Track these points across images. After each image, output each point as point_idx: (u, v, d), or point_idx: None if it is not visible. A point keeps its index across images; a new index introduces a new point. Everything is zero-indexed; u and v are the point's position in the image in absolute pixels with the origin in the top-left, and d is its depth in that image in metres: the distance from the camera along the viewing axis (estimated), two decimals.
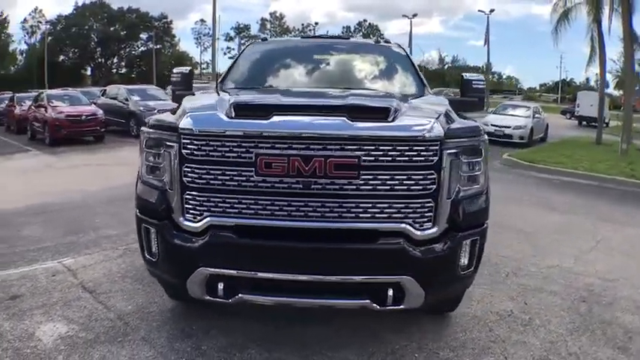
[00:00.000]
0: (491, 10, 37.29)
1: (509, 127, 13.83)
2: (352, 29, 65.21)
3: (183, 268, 2.23)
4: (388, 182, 2.08)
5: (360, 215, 2.10)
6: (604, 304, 3.23)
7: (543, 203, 6.47)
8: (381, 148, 2.06)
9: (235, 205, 2.13)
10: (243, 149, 2.08)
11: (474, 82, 3.59)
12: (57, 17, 53.65)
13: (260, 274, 2.15)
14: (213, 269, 2.17)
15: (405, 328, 2.79)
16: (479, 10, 42.93)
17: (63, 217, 5.13)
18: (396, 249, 2.11)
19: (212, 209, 2.16)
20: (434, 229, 2.16)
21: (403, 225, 2.12)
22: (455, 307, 2.94)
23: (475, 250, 2.34)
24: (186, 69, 3.82)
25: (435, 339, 2.70)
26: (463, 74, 3.71)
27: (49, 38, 50.27)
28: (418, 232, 2.14)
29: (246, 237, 2.14)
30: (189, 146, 2.15)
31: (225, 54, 61.77)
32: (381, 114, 2.15)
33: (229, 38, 65.38)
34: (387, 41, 4.12)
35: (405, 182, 2.09)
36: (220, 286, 2.18)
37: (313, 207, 2.09)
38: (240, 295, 2.19)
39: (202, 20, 65.60)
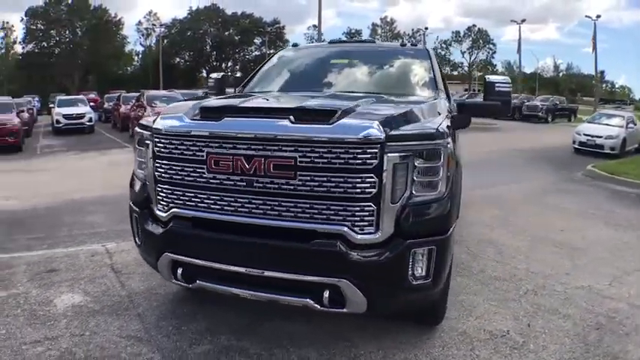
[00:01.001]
0: (598, 16, 35.19)
1: (600, 136, 12.62)
2: (462, 34, 63.00)
3: (154, 252, 2.50)
4: (325, 184, 2.10)
5: (299, 215, 2.15)
6: (620, 334, 2.80)
7: (609, 218, 5.72)
8: (317, 149, 2.08)
9: (192, 199, 2.33)
10: (197, 148, 2.27)
11: (497, 84, 3.40)
12: (172, 21, 57.95)
13: (210, 264, 2.31)
14: (174, 255, 2.39)
15: (381, 336, 2.73)
16: (586, 16, 39.09)
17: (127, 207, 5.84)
18: (332, 251, 2.11)
19: (176, 201, 2.38)
20: (376, 235, 2.11)
21: (342, 227, 2.11)
22: (435, 319, 2.82)
23: (432, 260, 2.21)
24: (219, 75, 4.19)
25: (406, 350, 2.60)
26: (486, 76, 3.52)
27: (165, 41, 54.56)
28: (358, 236, 2.11)
29: (200, 228, 2.33)
30: (158, 144, 2.40)
31: None
32: (325, 116, 2.17)
33: None
34: (413, 44, 4.05)
35: (342, 185, 2.09)
36: (179, 271, 2.40)
37: (256, 204, 2.20)
38: (198, 281, 2.38)
39: (314, 26, 68.38)
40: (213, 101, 2.69)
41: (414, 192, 2.16)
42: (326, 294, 2.15)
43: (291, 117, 2.17)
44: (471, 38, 61.88)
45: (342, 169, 2.08)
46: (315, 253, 2.13)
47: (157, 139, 2.41)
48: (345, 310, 2.19)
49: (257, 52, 60.15)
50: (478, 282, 3.59)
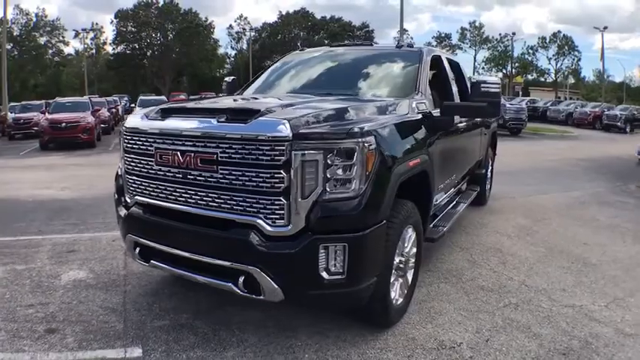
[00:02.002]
0: None
1: None
2: (547, 40, 59.48)
3: (123, 233, 2.86)
4: (241, 178, 2.26)
5: (222, 205, 2.34)
6: None
7: None
8: (234, 146, 2.25)
9: (147, 188, 2.63)
10: (149, 143, 2.56)
11: (483, 85, 3.30)
12: (262, 25, 60.38)
13: (157, 245, 2.59)
14: (133, 236, 2.72)
15: (328, 331, 2.79)
16: None
17: None
18: (245, 240, 2.26)
19: (137, 189, 2.70)
20: (287, 227, 2.22)
21: (256, 219, 2.26)
22: (386, 322, 2.81)
23: (344, 257, 2.26)
24: (230, 78, 4.53)
25: (342, 347, 2.63)
26: (472, 77, 3.42)
27: (255, 45, 57.24)
28: (270, 228, 2.24)
29: (150, 214, 2.63)
30: (125, 140, 2.74)
31: None
32: (246, 116, 2.32)
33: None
34: (409, 46, 4.00)
35: (255, 179, 2.23)
36: (137, 250, 2.71)
37: (190, 194, 2.43)
38: (152, 261, 2.68)
39: (405, 30, 68.31)
40: (174, 104, 2.99)
41: (327, 189, 2.24)
42: (241, 280, 2.32)
43: (219, 117, 2.36)
44: (556, 44, 58.60)
45: (256, 165, 2.23)
46: (231, 240, 2.32)
47: (124, 135, 2.75)
48: (262, 297, 2.33)
49: None
50: (460, 290, 3.46)
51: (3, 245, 4.30)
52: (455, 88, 4.27)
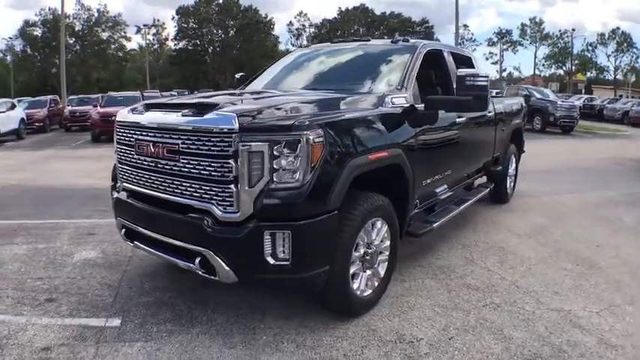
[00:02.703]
0: None
1: None
2: (606, 37, 56.04)
3: (114, 216, 3.16)
4: (198, 167, 2.44)
5: (184, 192, 2.54)
6: None
7: None
8: (191, 137, 2.43)
9: (130, 175, 2.89)
10: (130, 135, 2.81)
11: (467, 78, 3.24)
12: (322, 21, 60.69)
13: (136, 227, 2.86)
14: (120, 219, 3.02)
15: (295, 316, 2.91)
16: None
17: None
18: (199, 224, 2.44)
19: (124, 177, 2.98)
20: (237, 214, 2.37)
21: (210, 205, 2.43)
22: (348, 311, 2.87)
23: (289, 243, 2.37)
24: (239, 75, 4.76)
25: (301, 333, 2.73)
26: (458, 70, 3.35)
27: (314, 41, 58.21)
28: (221, 214, 2.41)
29: (132, 198, 2.89)
30: (116, 132, 3.02)
31: (487, 59, 61.46)
32: (205, 109, 2.49)
33: (491, 43, 64.52)
34: (405, 40, 3.96)
35: (209, 168, 2.41)
36: (123, 231, 2.99)
37: (160, 181, 2.66)
38: (135, 241, 2.94)
39: (465, 25, 66.72)
40: (161, 99, 3.22)
41: (274, 179, 2.35)
42: (197, 261, 2.50)
43: (184, 111, 2.55)
44: (615, 41, 55.20)
45: (209, 155, 2.40)
46: (189, 224, 2.51)
47: (115, 128, 3.03)
48: (217, 278, 2.50)
49: None
50: (444, 287, 3.42)
51: (32, 227, 4.83)
52: (454, 82, 4.17)
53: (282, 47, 61.97)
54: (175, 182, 2.57)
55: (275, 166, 2.35)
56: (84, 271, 3.62)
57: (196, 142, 2.43)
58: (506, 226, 4.98)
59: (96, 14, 52.23)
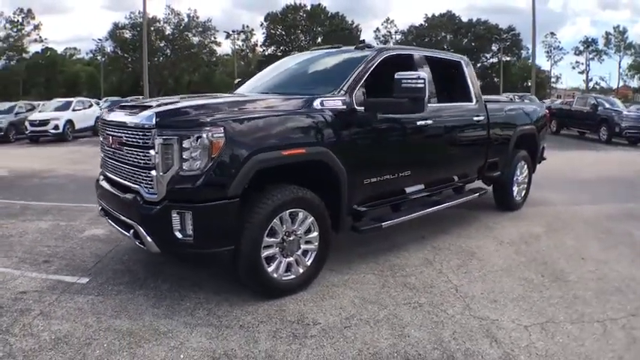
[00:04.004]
0: None
1: None
2: None
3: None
4: (133, 155, 2.99)
5: (126, 176, 3.11)
6: None
7: None
8: (129, 132, 3.00)
9: (104, 162, 3.53)
10: (103, 129, 3.44)
11: (404, 80, 3.39)
12: (409, 27, 61.43)
13: (104, 205, 3.48)
14: (98, 199, 3.66)
15: (222, 293, 3.26)
16: None
17: None
18: (132, 202, 2.98)
19: (102, 163, 3.63)
20: (155, 195, 2.85)
21: (140, 187, 2.96)
22: (258, 290, 3.18)
23: (191, 222, 2.77)
24: (237, 80, 5.29)
25: (217, 305, 3.09)
26: (396, 73, 3.47)
27: None
28: (145, 195, 2.91)
29: (103, 181, 3.51)
30: (99, 127, 3.68)
31: (573, 68, 57.59)
32: (141, 109, 3.00)
33: (578, 52, 59.77)
34: (368, 46, 4.11)
35: (138, 156, 2.95)
36: (99, 209, 3.62)
37: (116, 167, 3.25)
38: (107, 219, 3.56)
39: (552, 33, 63.11)
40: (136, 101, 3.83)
41: (183, 167, 2.78)
42: (131, 232, 3.03)
43: (131, 111, 3.09)
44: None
45: (138, 146, 2.94)
46: (126, 202, 3.06)
47: (99, 124, 3.70)
48: (145, 247, 2.99)
49: (493, 59, 57.94)
50: (381, 283, 3.51)
51: (64, 208, 5.75)
52: (429, 88, 4.21)
53: None
54: (123, 167, 3.15)
55: (184, 157, 2.78)
56: (85, 243, 4.37)
57: (132, 136, 3.00)
58: (496, 232, 4.84)
59: (186, 19, 55.35)
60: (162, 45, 53.71)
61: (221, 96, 3.66)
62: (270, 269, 3.12)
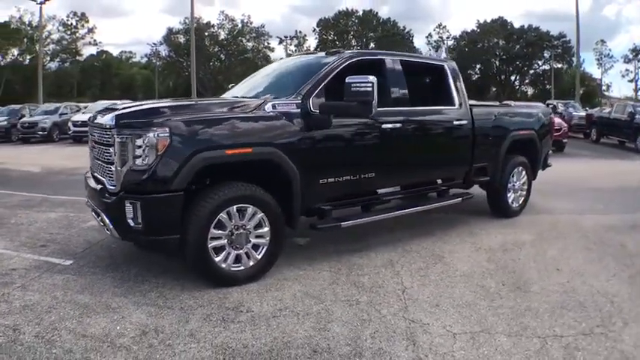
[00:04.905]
0: None
1: None
2: None
3: None
4: (101, 152, 3.39)
5: (100, 171, 3.51)
6: None
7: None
8: (99, 131, 3.43)
9: (92, 161, 3.95)
10: (90, 130, 3.84)
11: (353, 84, 3.53)
12: (461, 33, 60.45)
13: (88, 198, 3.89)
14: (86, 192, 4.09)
15: (179, 279, 3.53)
16: None
17: None
18: (98, 193, 3.40)
19: (91, 162, 4.06)
20: (115, 187, 3.22)
21: (105, 179, 3.34)
22: (206, 278, 3.41)
23: (140, 212, 3.07)
24: (231, 85, 5.62)
25: (169, 289, 3.36)
26: (347, 77, 3.60)
27: (453, 53, 57.96)
28: (109, 186, 3.29)
29: (90, 178, 3.90)
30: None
31: (623, 76, 54.71)
32: (109, 112, 3.38)
33: (627, 60, 56.37)
34: (338, 52, 4.19)
35: (104, 153, 3.36)
36: (87, 201, 4.05)
37: (96, 164, 3.65)
38: (91, 210, 3.97)
39: (602, 41, 59.84)
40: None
41: (136, 162, 3.10)
42: (99, 218, 3.42)
43: (107, 112, 3.48)
44: None
45: (104, 143, 3.35)
46: (97, 192, 3.45)
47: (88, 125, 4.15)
48: (110, 233, 3.36)
49: (545, 67, 56.06)
50: (333, 280, 3.61)
51: (77, 202, 6.08)
52: (402, 91, 4.28)
53: None
54: (98, 163, 3.57)
55: (136, 154, 3.10)
56: (83, 232, 4.85)
57: (101, 135, 3.41)
58: (478, 238, 4.75)
59: (240, 25, 56.19)
60: (216, 50, 55.38)
61: (183, 100, 3.98)
62: (217, 259, 3.35)
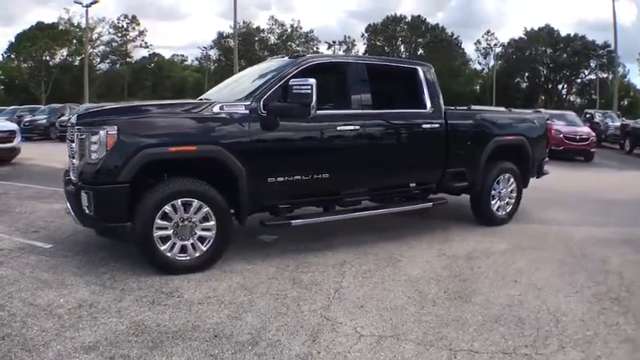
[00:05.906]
0: None
1: None
2: None
3: None
4: (71, 147, 3.78)
5: (70, 164, 3.88)
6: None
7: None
8: (70, 129, 3.78)
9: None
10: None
11: (294, 87, 3.67)
12: (509, 41, 58.97)
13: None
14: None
15: (149, 269, 3.70)
16: None
17: None
18: (65, 183, 3.85)
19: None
20: (75, 178, 3.61)
21: (71, 172, 3.79)
22: (153, 265, 3.64)
23: (92, 200, 3.40)
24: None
25: (124, 273, 3.61)
26: (290, 80, 3.72)
27: (501, 60, 57.25)
28: (72, 178, 3.70)
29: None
30: None
31: None
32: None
33: None
34: (300, 56, 4.30)
35: (71, 148, 3.75)
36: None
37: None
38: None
39: None
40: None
41: (91, 156, 3.43)
42: (66, 206, 3.84)
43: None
44: None
45: (71, 139, 3.75)
46: (64, 183, 3.91)
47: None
48: (73, 219, 3.73)
49: (592, 76, 53.47)
50: (275, 275, 3.72)
51: None
52: (363, 94, 4.31)
53: (474, 66, 60.72)
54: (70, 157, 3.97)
55: (91, 149, 3.43)
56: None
57: (70, 132, 3.80)
58: (448, 245, 4.65)
59: (289, 30, 57.47)
60: (266, 54, 56.75)
61: (146, 102, 4.31)
62: (162, 248, 3.58)
